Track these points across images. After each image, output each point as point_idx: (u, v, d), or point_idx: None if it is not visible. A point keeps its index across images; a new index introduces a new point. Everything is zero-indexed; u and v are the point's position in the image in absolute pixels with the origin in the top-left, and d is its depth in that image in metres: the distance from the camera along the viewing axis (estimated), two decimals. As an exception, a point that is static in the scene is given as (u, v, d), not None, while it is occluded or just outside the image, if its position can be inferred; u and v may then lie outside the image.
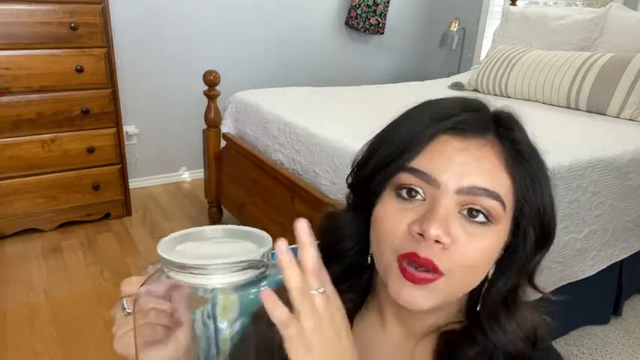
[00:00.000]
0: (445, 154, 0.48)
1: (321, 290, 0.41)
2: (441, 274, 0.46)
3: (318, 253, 0.42)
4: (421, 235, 0.45)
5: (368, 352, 0.59)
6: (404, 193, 0.49)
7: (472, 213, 0.47)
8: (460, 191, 0.47)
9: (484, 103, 0.53)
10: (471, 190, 0.46)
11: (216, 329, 0.44)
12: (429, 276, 0.46)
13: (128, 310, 0.46)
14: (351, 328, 0.61)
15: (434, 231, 0.44)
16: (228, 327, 0.45)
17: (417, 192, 0.48)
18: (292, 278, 0.40)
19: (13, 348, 1.66)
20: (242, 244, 0.45)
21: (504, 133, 0.50)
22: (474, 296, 0.54)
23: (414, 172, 0.48)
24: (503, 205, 0.47)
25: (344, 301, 0.58)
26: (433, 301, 0.48)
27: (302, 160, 1.82)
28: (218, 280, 0.39)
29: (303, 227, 0.41)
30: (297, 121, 1.90)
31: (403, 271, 0.47)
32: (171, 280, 0.41)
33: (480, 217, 0.47)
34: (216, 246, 0.45)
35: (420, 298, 0.47)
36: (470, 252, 0.47)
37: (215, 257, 0.40)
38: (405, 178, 0.48)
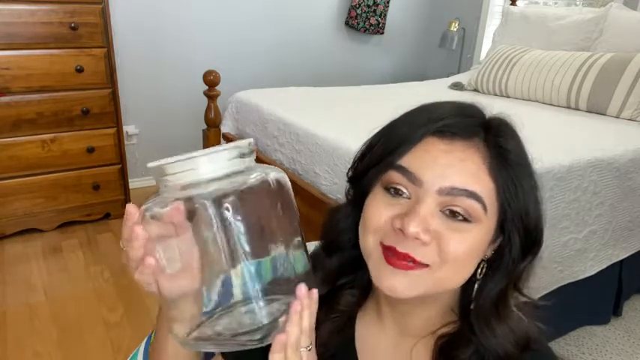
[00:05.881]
0: (431, 155, 0.50)
1: (309, 348, 0.47)
2: (423, 266, 0.49)
3: (314, 315, 0.47)
4: (401, 230, 0.48)
5: (368, 349, 0.60)
6: (391, 191, 0.51)
7: (453, 214, 0.49)
8: (441, 191, 0.49)
9: (480, 109, 0.55)
10: (452, 191, 0.48)
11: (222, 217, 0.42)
12: (410, 264, 0.49)
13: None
14: (354, 323, 0.62)
15: (413, 229, 0.47)
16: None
17: (403, 192, 0.50)
18: (292, 334, 0.45)
19: (13, 348, 1.66)
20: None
21: (492, 139, 0.51)
22: (466, 295, 0.55)
23: (401, 169, 0.50)
24: (484, 205, 0.49)
25: (344, 295, 0.60)
26: (413, 289, 0.50)
27: (302, 160, 1.82)
28: (209, 171, 0.42)
29: (302, 292, 0.45)
30: (297, 121, 1.90)
31: (386, 256, 0.50)
32: (168, 188, 0.43)
33: (460, 217, 0.49)
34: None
35: (400, 284, 0.49)
36: (452, 246, 0.48)
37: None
38: (393, 176, 0.51)
